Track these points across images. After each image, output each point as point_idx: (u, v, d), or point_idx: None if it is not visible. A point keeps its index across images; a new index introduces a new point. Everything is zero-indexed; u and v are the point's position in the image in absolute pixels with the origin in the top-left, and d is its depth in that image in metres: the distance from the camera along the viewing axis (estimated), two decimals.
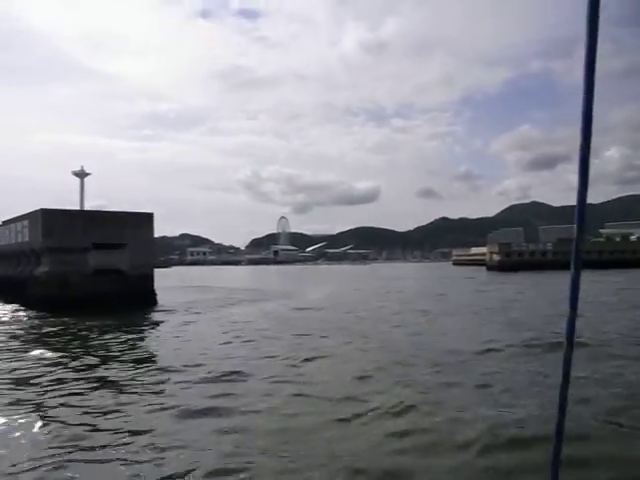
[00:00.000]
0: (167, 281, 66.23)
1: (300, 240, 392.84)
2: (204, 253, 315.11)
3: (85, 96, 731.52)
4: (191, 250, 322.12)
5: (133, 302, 26.05)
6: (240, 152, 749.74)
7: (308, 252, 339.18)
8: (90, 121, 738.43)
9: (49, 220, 25.68)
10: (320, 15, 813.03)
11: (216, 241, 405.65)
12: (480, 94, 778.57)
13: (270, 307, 27.40)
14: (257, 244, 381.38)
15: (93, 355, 13.91)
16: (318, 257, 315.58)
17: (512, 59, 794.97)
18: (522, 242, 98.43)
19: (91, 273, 26.10)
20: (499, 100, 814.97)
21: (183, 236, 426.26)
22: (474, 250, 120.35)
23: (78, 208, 48.74)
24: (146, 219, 28.35)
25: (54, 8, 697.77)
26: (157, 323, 21.60)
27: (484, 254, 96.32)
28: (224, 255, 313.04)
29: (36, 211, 26.32)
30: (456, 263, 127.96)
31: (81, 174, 60.43)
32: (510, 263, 78.34)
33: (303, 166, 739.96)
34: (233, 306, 28.35)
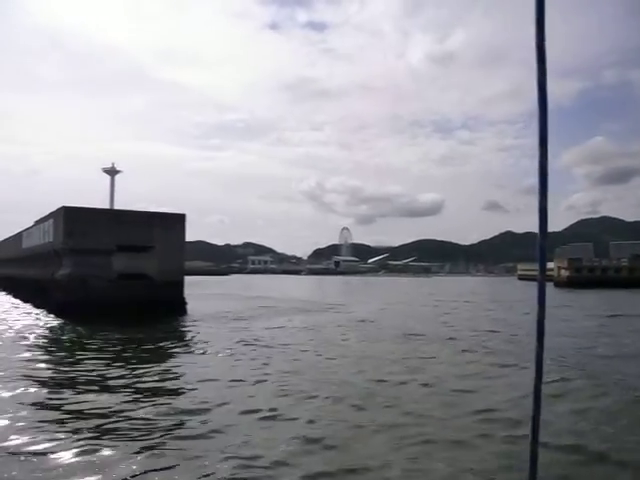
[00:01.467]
0: (217, 288, 65.39)
1: (362, 251, 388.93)
2: (265, 262, 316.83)
3: (156, 106, 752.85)
4: (252, 259, 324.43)
5: (160, 311, 24.06)
6: (305, 163, 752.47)
7: (369, 263, 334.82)
8: (161, 130, 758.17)
9: (71, 219, 23.97)
10: (388, 27, 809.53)
11: (279, 251, 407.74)
12: (551, 105, 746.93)
13: (298, 322, 24.81)
14: (319, 254, 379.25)
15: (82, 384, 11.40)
16: (379, 268, 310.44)
17: (586, 69, 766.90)
18: (592, 257, 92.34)
19: (115, 277, 24.26)
20: (571, 112, 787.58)
21: (247, 245, 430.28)
22: None
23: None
24: (177, 221, 26.33)
25: (128, 23, 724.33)
26: (181, 336, 19.37)
27: (551, 269, 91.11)
28: (285, 264, 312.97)
29: (59, 209, 24.72)
30: (522, 278, 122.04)
31: (111, 171, 58.80)
32: (580, 279, 73.11)
33: (367, 177, 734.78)
34: (266, 318, 25.96)
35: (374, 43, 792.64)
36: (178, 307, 25.55)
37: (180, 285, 26.09)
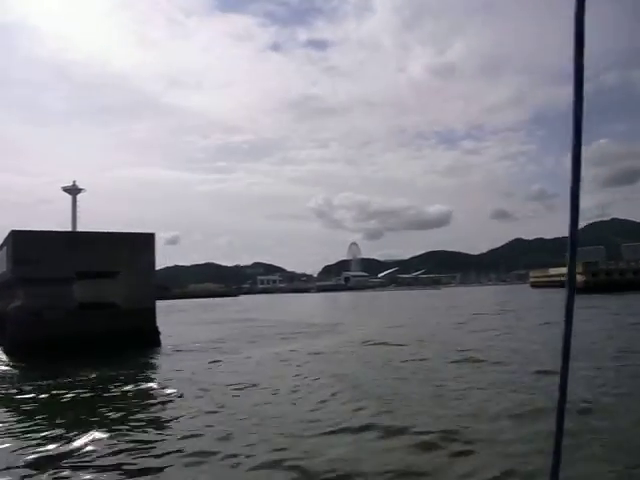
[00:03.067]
0: (216, 312, 62.70)
1: (372, 266, 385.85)
2: (274, 281, 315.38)
3: (161, 132, 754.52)
4: (261, 278, 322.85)
5: (129, 343, 21.25)
6: (312, 180, 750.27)
7: (379, 278, 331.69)
8: (166, 155, 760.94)
9: (21, 244, 21.23)
10: (387, 41, 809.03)
11: (289, 269, 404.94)
12: (553, 111, 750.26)
13: (287, 350, 21.88)
14: (329, 271, 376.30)
15: None
16: (389, 283, 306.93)
17: (586, 72, 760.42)
18: (604, 261, 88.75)
19: (75, 308, 21.40)
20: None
21: (256, 265, 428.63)
22: (552, 271, 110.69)
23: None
24: (146, 241, 23.54)
25: (133, 51, 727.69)
26: (146, 377, 16.41)
27: (564, 274, 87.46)
28: (295, 283, 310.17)
29: (9, 234, 21.95)
30: (534, 285, 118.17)
31: (73, 190, 55.13)
32: (597, 284, 69.63)
33: (374, 192, 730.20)
34: (255, 346, 23.12)
35: (375, 58, 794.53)
36: (150, 338, 22.70)
37: (151, 313, 23.22)
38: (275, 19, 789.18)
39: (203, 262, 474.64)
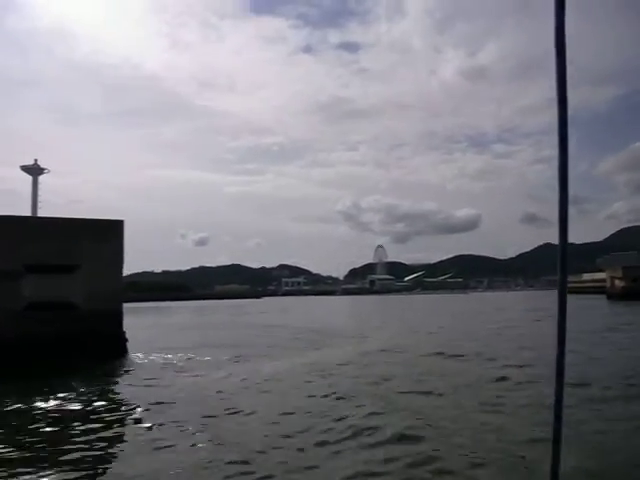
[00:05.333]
0: (224, 314, 59.51)
1: (398, 269, 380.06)
2: (299, 283, 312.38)
3: (193, 133, 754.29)
4: (286, 280, 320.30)
5: (89, 351, 17.61)
6: (340, 183, 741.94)
7: (405, 281, 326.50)
8: (196, 156, 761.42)
9: None
10: (418, 44, 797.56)
11: (314, 271, 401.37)
12: (588, 113, 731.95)
13: (283, 366, 18.03)
14: (355, 274, 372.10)
15: None
16: (415, 286, 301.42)
17: (623, 75, 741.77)
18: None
19: (23, 308, 17.76)
20: (609, 119, 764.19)
21: (281, 267, 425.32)
22: (586, 276, 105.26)
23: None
24: (112, 230, 19.77)
25: (166, 53, 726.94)
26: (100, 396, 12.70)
27: (599, 280, 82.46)
28: (320, 285, 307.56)
29: None
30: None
31: (34, 170, 49.07)
32: (637, 290, 64.42)
33: (403, 195, 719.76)
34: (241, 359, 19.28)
35: (406, 61, 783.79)
36: (114, 346, 18.94)
37: (117, 315, 19.46)
38: (307, 21, 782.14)
39: (229, 263, 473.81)
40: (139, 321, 55.59)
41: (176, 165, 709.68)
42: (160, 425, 9.55)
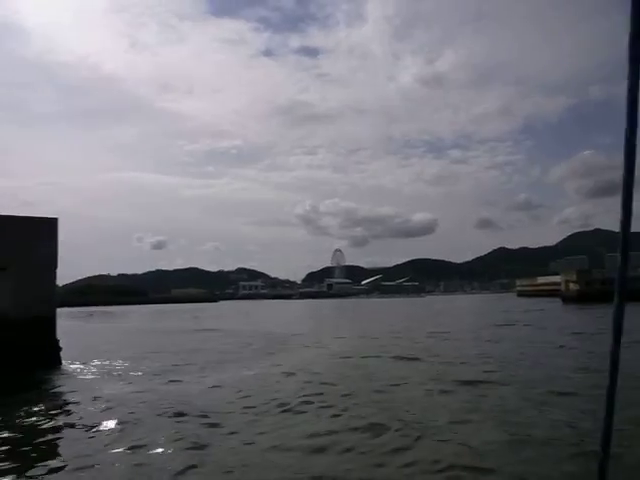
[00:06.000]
0: (171, 321, 57.87)
1: (356, 273, 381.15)
2: (256, 287, 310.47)
3: (151, 136, 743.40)
4: (244, 284, 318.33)
5: (17, 362, 16.01)
6: (299, 187, 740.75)
7: (362, 285, 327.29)
8: (156, 159, 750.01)
9: None
10: (378, 50, 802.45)
11: (273, 275, 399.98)
12: (540, 122, 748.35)
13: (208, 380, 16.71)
14: (313, 278, 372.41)
15: None
16: (372, 290, 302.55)
17: (573, 85, 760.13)
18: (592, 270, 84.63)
19: None
20: (560, 128, 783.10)
21: (240, 270, 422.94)
22: (541, 280, 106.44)
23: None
24: (44, 228, 18.12)
25: (126, 55, 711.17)
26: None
27: (554, 283, 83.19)
28: (278, 289, 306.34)
29: None
30: (521, 294, 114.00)
31: None
32: (591, 293, 64.90)
33: (361, 199, 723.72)
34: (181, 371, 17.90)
35: (365, 66, 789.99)
36: (46, 356, 17.35)
37: (49, 322, 17.81)
38: (268, 25, 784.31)
39: (187, 267, 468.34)
40: (90, 326, 53.65)
41: (134, 168, 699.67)
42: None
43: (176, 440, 8.71)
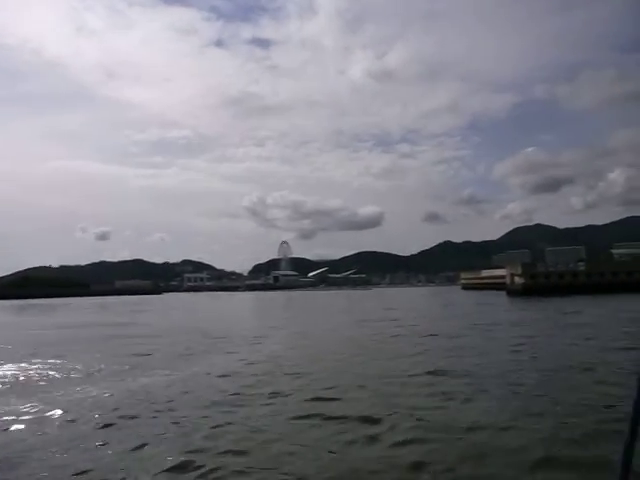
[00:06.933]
0: (102, 313, 55.34)
1: (303, 265, 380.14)
2: (202, 279, 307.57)
3: (98, 124, 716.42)
4: (189, 276, 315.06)
5: None
6: (247, 178, 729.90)
7: (309, 277, 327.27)
8: (102, 148, 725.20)
9: None
10: (329, 43, 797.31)
11: (219, 267, 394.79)
12: (487, 119, 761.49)
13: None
14: (259, 270, 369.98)
15: None
16: (319, 282, 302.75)
17: (518, 84, 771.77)
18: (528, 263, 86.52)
19: None
20: (506, 125, 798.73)
21: (185, 262, 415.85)
22: (485, 273, 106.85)
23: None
24: None
25: (71, 39, 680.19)
26: None
27: (498, 277, 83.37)
28: (224, 281, 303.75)
29: None
30: (466, 287, 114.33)
31: None
32: (536, 286, 65.00)
33: (309, 192, 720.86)
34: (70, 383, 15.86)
35: (316, 59, 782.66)
36: None
37: None
38: (220, 14, 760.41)
39: (132, 258, 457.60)
40: (20, 320, 50.52)
41: (79, 156, 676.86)
42: None
43: None
